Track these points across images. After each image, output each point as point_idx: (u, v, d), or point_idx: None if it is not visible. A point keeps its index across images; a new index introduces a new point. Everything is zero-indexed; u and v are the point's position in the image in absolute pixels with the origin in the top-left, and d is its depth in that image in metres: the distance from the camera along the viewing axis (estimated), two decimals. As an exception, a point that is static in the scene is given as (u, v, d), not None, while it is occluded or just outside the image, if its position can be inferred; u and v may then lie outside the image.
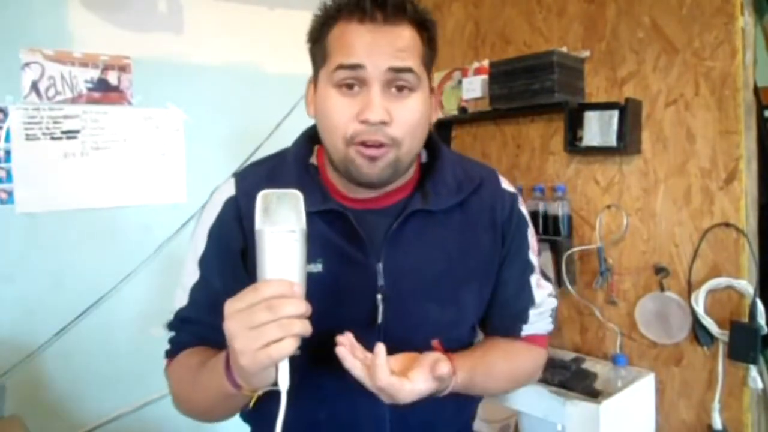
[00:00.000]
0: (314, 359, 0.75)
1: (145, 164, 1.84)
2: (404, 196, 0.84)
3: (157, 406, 1.81)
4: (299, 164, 0.84)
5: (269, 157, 0.90)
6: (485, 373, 0.83)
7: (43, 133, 1.66)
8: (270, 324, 0.58)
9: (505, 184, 0.91)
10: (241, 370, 0.62)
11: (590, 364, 1.66)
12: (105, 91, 1.76)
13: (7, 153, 1.61)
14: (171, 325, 0.85)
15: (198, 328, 0.83)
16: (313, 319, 0.75)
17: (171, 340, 0.86)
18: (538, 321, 0.91)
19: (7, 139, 1.61)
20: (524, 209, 0.92)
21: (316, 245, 0.76)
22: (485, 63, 1.95)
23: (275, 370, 0.62)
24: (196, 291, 0.83)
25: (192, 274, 0.83)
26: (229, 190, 0.84)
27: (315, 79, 0.80)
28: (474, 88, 1.94)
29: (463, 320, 0.87)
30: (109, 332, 1.77)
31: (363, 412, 0.82)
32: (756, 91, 1.52)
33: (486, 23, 2.07)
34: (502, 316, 0.90)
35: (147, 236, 1.84)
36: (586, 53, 1.77)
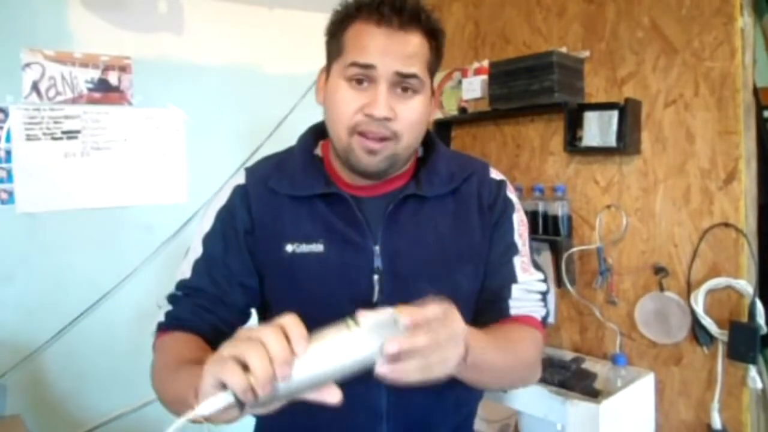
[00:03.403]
0: None
1: (145, 164, 1.84)
2: (401, 184, 0.90)
3: (157, 406, 1.79)
4: (304, 154, 0.91)
5: (278, 152, 0.96)
6: (496, 346, 0.78)
7: (44, 134, 1.66)
8: (255, 347, 0.53)
9: (494, 174, 0.96)
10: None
11: (590, 364, 1.67)
12: (105, 92, 1.76)
13: (8, 153, 1.61)
14: (171, 298, 0.87)
15: (198, 299, 0.85)
16: (313, 298, 0.83)
17: (167, 314, 0.86)
18: (526, 300, 0.90)
19: (8, 139, 1.61)
20: (512, 196, 0.95)
21: (317, 227, 0.85)
22: (485, 63, 1.95)
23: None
24: (199, 264, 0.87)
25: (196, 251, 0.88)
26: (240, 179, 0.91)
27: (328, 69, 0.85)
28: (474, 88, 1.94)
29: (459, 303, 0.88)
30: (109, 332, 1.77)
31: (360, 403, 0.83)
32: (755, 91, 1.52)
33: (486, 23, 2.07)
34: (484, 293, 0.91)
35: (147, 236, 1.84)
36: (585, 53, 1.77)
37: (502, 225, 0.92)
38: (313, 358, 0.55)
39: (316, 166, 0.89)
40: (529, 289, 0.90)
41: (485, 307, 0.90)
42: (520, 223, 0.94)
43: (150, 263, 1.84)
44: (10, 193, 1.62)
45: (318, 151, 0.93)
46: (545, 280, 0.93)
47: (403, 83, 0.79)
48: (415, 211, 0.87)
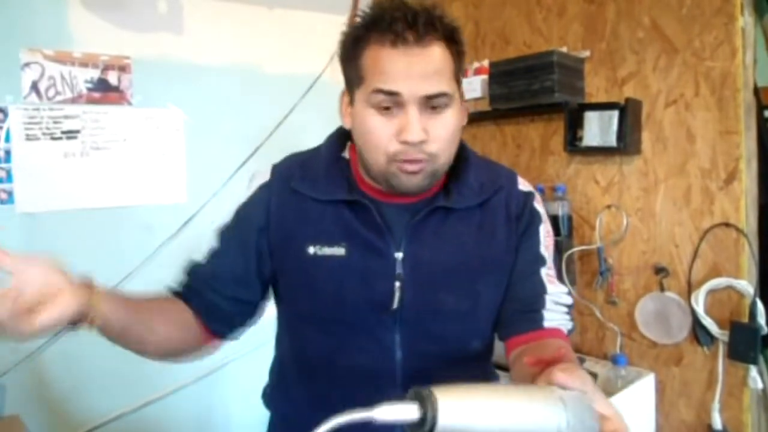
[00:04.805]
0: (329, 338, 0.84)
1: (145, 164, 1.84)
2: (429, 194, 0.88)
3: (157, 406, 1.81)
4: (331, 156, 0.90)
5: (306, 150, 0.96)
6: None
7: (44, 133, 1.66)
8: None
9: (522, 185, 0.95)
10: None
11: (590, 364, 1.67)
12: (105, 91, 1.76)
13: (8, 153, 1.61)
14: (184, 269, 0.92)
15: (193, 281, 0.90)
16: (331, 300, 0.84)
17: (178, 281, 0.92)
18: (556, 312, 0.89)
19: (8, 139, 1.61)
20: (539, 207, 0.95)
21: (340, 230, 0.85)
22: (485, 63, 1.95)
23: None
24: (211, 255, 0.91)
25: (215, 241, 0.91)
26: (265, 177, 0.91)
27: (350, 95, 0.83)
28: (474, 88, 1.94)
29: (479, 312, 0.89)
30: (110, 332, 1.76)
31: (376, 398, 0.84)
32: (756, 91, 1.52)
33: (486, 23, 2.07)
34: (515, 303, 0.90)
35: (147, 236, 1.84)
36: (586, 53, 1.77)
37: (529, 237, 0.91)
38: (513, 413, 0.55)
39: (341, 170, 0.88)
40: (557, 301, 0.89)
41: (518, 317, 0.89)
42: (546, 235, 0.93)
43: (150, 263, 1.83)
44: (10, 193, 1.61)
45: (346, 153, 0.92)
46: (569, 293, 0.93)
47: (431, 103, 0.77)
48: (441, 222, 0.87)
